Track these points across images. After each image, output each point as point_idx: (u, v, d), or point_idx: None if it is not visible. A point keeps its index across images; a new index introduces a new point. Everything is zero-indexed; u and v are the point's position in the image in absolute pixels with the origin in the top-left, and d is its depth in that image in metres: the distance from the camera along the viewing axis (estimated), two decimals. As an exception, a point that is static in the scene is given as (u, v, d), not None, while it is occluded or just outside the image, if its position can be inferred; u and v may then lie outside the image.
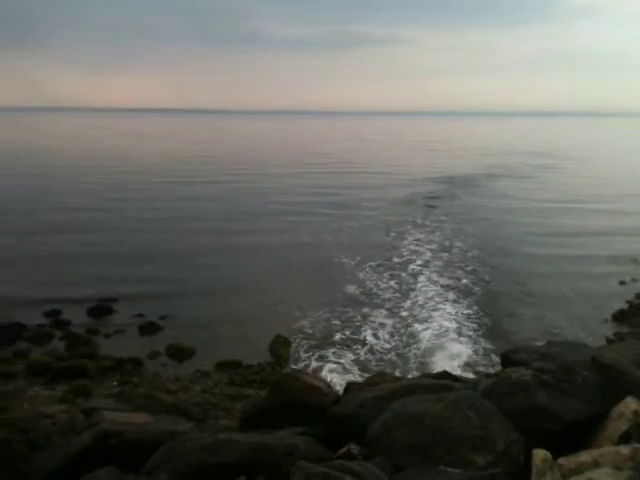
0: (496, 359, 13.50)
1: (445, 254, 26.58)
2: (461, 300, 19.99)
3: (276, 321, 17.86)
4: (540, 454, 4.43)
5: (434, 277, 22.80)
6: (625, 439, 4.94)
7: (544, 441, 4.88)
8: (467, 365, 14.93)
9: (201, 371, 14.62)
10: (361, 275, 23.02)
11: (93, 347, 15.97)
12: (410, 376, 13.43)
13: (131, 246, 26.57)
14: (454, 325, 17.74)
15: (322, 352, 15.99)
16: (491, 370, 13.83)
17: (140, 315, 18.40)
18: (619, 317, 18.53)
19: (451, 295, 20.52)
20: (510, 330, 17.57)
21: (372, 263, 24.71)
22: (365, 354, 15.93)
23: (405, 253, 26.85)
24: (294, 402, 6.78)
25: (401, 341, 16.77)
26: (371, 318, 18.52)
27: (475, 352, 15.81)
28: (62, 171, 56.16)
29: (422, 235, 30.64)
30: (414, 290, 21.31)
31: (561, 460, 4.49)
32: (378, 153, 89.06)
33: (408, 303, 19.90)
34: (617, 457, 4.42)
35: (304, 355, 15.88)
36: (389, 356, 15.88)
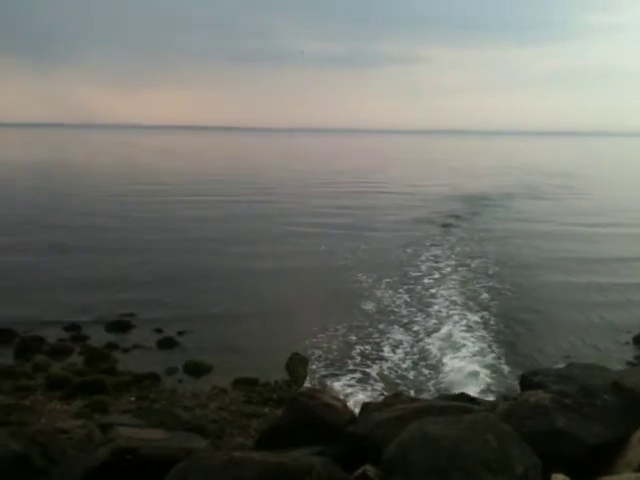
0: (514, 381, 13.32)
1: (464, 271, 26.39)
2: (480, 319, 19.80)
3: (293, 339, 17.83)
4: (559, 479, 4.37)
5: (452, 295, 22.63)
6: (646, 466, 4.86)
7: (562, 465, 4.82)
8: (485, 386, 14.74)
9: (218, 388, 14.61)
10: (378, 293, 22.93)
11: (111, 362, 16.05)
12: (427, 397, 13.31)
13: (153, 265, 26.73)
14: (472, 344, 17.56)
15: (339, 371, 15.90)
16: (509, 392, 13.67)
17: (158, 331, 18.50)
18: (641, 341, 18.19)
19: (469, 314, 20.32)
20: (529, 350, 17.32)
21: (389, 280, 24.64)
22: (382, 373, 15.80)
23: (424, 269, 26.80)
24: (310, 421, 6.75)
25: (418, 360, 16.63)
26: (388, 335, 18.42)
27: (493, 373, 15.62)
28: (87, 190, 56.45)
29: (439, 251, 30.51)
30: (431, 307, 21.20)
31: (580, 485, 4.44)
32: (396, 171, 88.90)
33: (426, 321, 19.78)
34: (638, 484, 4.34)
35: (321, 373, 15.79)
36: (406, 375, 15.73)
